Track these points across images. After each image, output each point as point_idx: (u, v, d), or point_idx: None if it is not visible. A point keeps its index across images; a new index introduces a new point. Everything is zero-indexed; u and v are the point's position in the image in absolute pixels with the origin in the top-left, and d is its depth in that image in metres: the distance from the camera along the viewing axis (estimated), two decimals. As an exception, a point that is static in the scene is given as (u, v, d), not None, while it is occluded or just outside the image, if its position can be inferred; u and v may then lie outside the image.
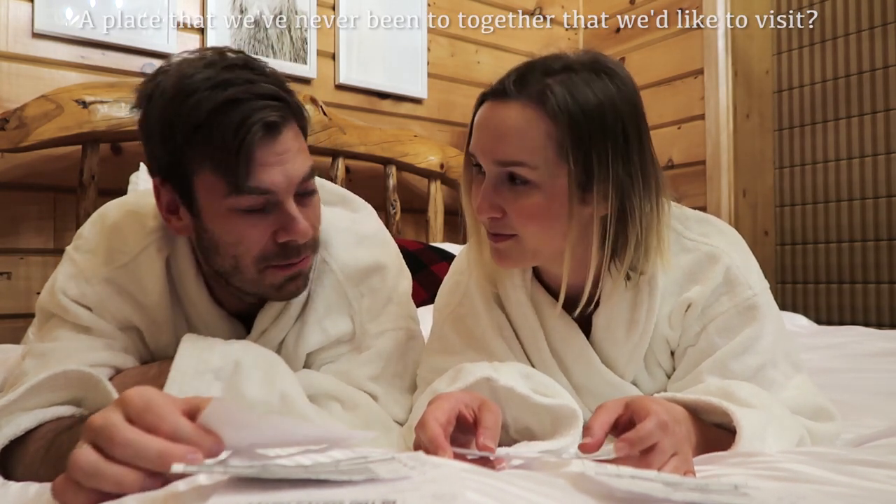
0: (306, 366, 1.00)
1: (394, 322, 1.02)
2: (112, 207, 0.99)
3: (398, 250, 1.09)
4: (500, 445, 0.70)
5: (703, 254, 0.89)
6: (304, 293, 0.97)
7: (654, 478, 0.52)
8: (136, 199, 1.01)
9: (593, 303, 0.90)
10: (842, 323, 2.36)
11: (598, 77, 0.82)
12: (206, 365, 0.79)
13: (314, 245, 0.93)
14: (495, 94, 0.85)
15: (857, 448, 0.80)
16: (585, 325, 0.93)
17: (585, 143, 0.81)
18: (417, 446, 0.65)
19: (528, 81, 0.83)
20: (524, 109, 0.82)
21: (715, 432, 0.73)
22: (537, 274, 0.95)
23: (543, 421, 0.80)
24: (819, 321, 2.31)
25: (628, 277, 0.87)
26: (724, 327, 0.87)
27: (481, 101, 0.88)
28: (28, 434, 0.70)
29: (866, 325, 2.25)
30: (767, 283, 0.92)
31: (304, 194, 0.88)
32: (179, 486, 0.45)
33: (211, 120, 0.80)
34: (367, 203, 1.11)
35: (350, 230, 1.03)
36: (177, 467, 0.44)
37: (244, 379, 0.79)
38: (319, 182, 0.98)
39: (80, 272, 0.92)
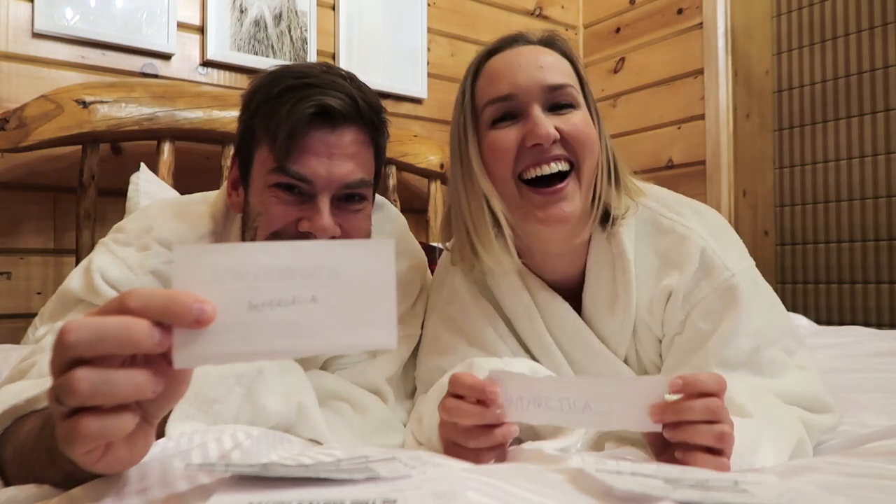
0: (321, 368, 1.00)
1: (409, 328, 1.04)
2: (158, 207, 1.01)
3: (424, 256, 1.13)
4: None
5: (678, 235, 0.91)
6: None
7: (653, 475, 0.52)
8: (185, 201, 1.03)
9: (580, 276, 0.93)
10: (842, 323, 2.36)
11: None
12: (230, 369, 0.78)
13: None
14: (510, 42, 0.93)
15: (856, 450, 0.80)
16: (575, 306, 0.95)
17: (583, 78, 0.94)
18: (453, 398, 0.67)
19: (530, 33, 0.95)
20: (545, 48, 0.92)
21: None
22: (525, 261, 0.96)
23: None
24: (819, 321, 2.31)
25: (605, 221, 0.91)
26: (706, 312, 0.88)
27: (486, 57, 0.93)
28: (26, 415, 0.69)
29: (866, 325, 2.25)
30: (752, 261, 0.93)
31: (348, 201, 0.89)
32: (181, 485, 0.45)
33: (282, 95, 0.86)
34: (390, 204, 1.14)
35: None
36: (179, 464, 0.44)
37: (265, 389, 0.77)
38: None
39: (122, 261, 0.91)
